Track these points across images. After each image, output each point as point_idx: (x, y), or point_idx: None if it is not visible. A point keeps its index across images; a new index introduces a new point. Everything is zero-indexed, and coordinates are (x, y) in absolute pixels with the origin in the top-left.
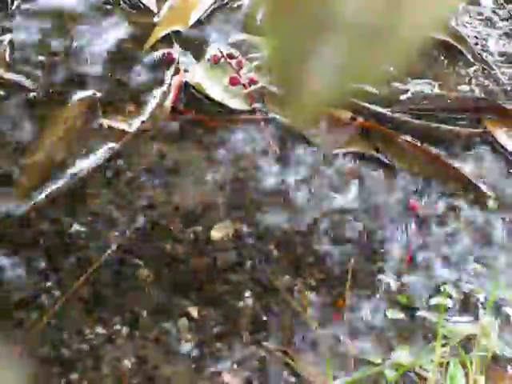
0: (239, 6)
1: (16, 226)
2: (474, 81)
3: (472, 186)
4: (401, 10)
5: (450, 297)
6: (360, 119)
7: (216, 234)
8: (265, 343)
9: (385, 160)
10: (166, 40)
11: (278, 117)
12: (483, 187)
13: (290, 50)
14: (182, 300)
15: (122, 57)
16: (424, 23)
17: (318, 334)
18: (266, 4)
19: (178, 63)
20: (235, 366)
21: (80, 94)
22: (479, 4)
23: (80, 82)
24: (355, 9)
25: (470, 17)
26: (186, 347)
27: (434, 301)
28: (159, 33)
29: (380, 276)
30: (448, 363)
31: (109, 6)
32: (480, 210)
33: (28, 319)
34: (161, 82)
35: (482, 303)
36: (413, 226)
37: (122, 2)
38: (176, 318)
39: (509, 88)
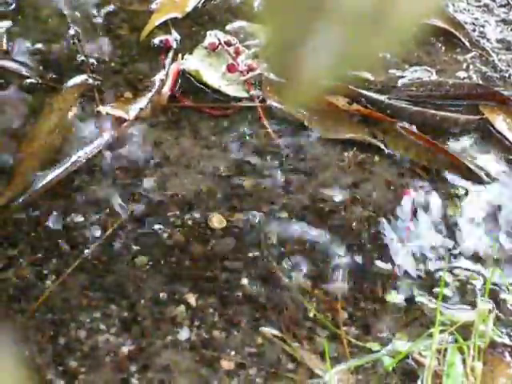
0: None
1: (14, 214)
2: (471, 67)
3: (469, 172)
4: None
5: (448, 283)
6: (357, 106)
7: (214, 221)
8: (263, 330)
9: (382, 146)
10: (164, 27)
11: (275, 104)
12: (481, 174)
13: (286, 37)
14: (180, 287)
15: (119, 44)
16: (420, 9)
17: (316, 321)
18: None
19: (176, 50)
20: (233, 353)
21: (74, 80)
22: None
23: (77, 69)
24: None
25: (468, 3)
26: (184, 334)
27: (431, 287)
28: (156, 20)
29: (377, 262)
30: (446, 350)
31: None
32: (477, 197)
33: (24, 306)
34: (158, 70)
35: (479, 289)
36: (410, 212)
37: None
38: (174, 305)
39: (506, 75)
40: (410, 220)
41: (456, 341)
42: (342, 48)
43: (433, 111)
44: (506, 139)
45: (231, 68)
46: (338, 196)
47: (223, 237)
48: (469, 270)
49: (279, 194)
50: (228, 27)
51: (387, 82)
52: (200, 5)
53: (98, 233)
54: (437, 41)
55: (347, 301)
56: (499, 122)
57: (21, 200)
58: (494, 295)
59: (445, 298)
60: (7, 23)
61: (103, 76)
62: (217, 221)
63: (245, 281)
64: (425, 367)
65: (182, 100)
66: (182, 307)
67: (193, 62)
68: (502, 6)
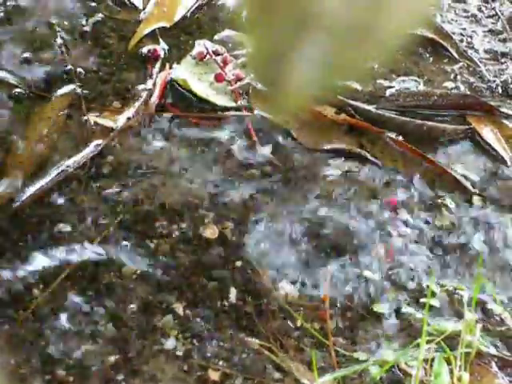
0: (224, 3)
1: (1, 223)
2: (459, 78)
3: (456, 182)
4: (382, 7)
5: (435, 294)
6: (345, 116)
7: (202, 231)
8: (250, 340)
9: (369, 157)
10: (152, 37)
11: (263, 113)
12: (468, 184)
13: (272, 47)
14: (167, 297)
15: (107, 53)
16: (406, 19)
17: (303, 331)
18: (248, 1)
19: (164, 60)
20: (220, 363)
21: (62, 90)
22: (464, 1)
23: (65, 78)
24: (337, 6)
25: (456, 14)
26: (171, 344)
27: (418, 298)
28: (145, 29)
29: (364, 273)
30: (433, 360)
31: (94, 3)
32: (464, 207)
33: (11, 316)
34: (146, 79)
35: (466, 300)
36: (397, 223)
37: None
38: (161, 314)
39: (494, 85)
40: (397, 230)
41: (443, 351)
42: (330, 58)
43: (420, 121)
44: (493, 149)
45: (219, 77)
46: (325, 206)
47: (211, 246)
48: (456, 280)
49: (266, 203)
50: (216, 37)
51: (375, 92)
52: (188, 14)
53: (85, 242)
54: (425, 51)
55: (334, 311)
56: (486, 132)
57: (8, 209)
58: (480, 305)
59: (432, 309)
60: None
61: (91, 85)
62: (205, 230)
63: (232, 291)
64: (411, 377)
65: (170, 109)
66: (170, 317)
67: (181, 71)
68: (489, 16)
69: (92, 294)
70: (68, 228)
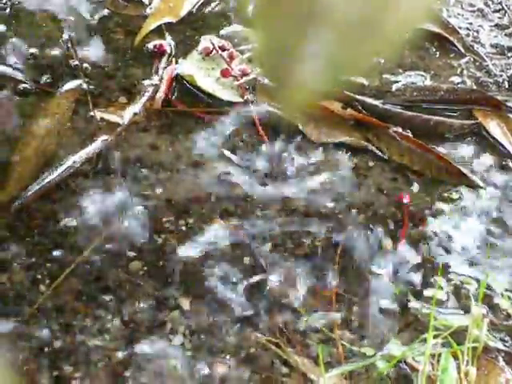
0: None
1: (7, 219)
2: (465, 72)
3: (464, 177)
4: (389, 1)
5: (442, 288)
6: (352, 110)
7: (208, 226)
8: (257, 334)
9: (376, 151)
10: (158, 32)
11: (269, 108)
12: (475, 178)
13: (279, 42)
14: (174, 292)
15: (113, 49)
16: (412, 13)
17: (310, 326)
18: None
19: (170, 55)
20: (227, 358)
21: (68, 85)
22: None
23: (71, 74)
24: (344, 1)
25: (462, 8)
26: (178, 339)
27: (425, 292)
28: (151, 25)
29: (372, 267)
30: (440, 354)
31: None
32: (472, 202)
33: (18, 311)
34: (153, 74)
35: (473, 294)
36: (404, 217)
37: None
38: (168, 309)
39: (500, 79)
40: (403, 224)
41: (450, 346)
42: (336, 53)
43: (427, 116)
44: (500, 144)
45: (225, 73)
46: (332, 200)
47: (217, 241)
48: (463, 274)
49: (273, 198)
50: (222, 32)
51: (381, 87)
52: (194, 10)
53: (92, 237)
54: (431, 46)
55: (341, 306)
56: (493, 126)
57: (15, 204)
58: (487, 300)
59: (439, 303)
60: (1, 28)
61: (97, 81)
62: (211, 225)
63: (238, 285)
64: (419, 372)
65: (176, 105)
66: (176, 312)
67: (187, 66)
68: (496, 11)
69: (99, 289)
70: (74, 223)
